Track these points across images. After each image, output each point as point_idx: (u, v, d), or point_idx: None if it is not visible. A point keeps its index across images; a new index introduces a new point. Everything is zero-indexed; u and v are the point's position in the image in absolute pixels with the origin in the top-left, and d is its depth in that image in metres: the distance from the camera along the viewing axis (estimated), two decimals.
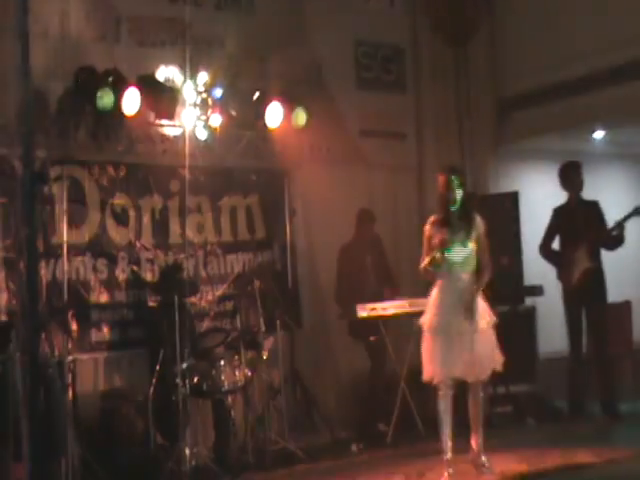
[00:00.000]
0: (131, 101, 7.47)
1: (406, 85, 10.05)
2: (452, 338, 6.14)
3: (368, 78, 9.75)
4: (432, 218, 6.40)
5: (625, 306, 9.20)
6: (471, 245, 6.29)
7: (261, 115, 8.27)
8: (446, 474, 6.17)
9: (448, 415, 6.26)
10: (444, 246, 6.17)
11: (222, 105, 8.08)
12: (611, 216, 8.53)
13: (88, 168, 7.66)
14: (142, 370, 7.44)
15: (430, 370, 6.23)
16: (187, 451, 6.85)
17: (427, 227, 6.37)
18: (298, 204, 8.90)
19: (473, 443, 6.33)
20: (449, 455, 6.24)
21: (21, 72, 2.79)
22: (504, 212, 9.32)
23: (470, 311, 6.16)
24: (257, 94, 8.26)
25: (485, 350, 6.23)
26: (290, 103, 8.40)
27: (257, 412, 7.62)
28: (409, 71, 10.07)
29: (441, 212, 6.35)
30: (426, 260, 6.24)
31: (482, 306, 6.31)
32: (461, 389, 6.40)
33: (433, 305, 6.30)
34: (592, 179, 9.33)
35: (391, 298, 8.27)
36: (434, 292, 6.33)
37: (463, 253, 6.27)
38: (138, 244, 7.86)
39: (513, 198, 9.52)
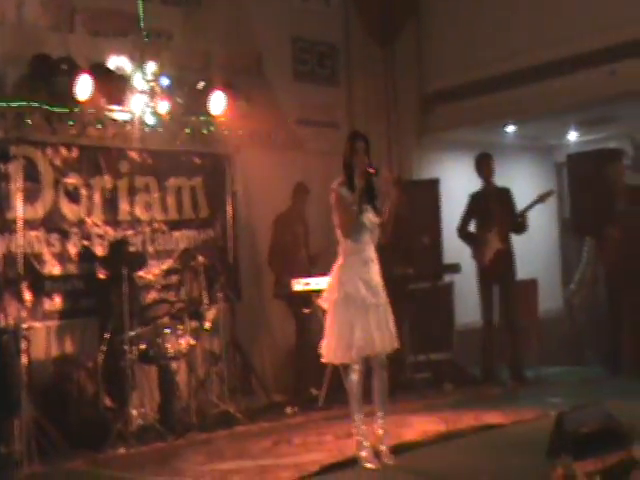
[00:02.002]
0: (84, 87, 7.27)
1: (339, 79, 10.05)
2: (368, 311, 5.39)
3: (304, 71, 9.74)
4: (339, 181, 5.57)
5: (532, 283, 9.30)
6: (376, 216, 5.54)
7: (205, 103, 8.14)
8: (364, 454, 5.39)
9: (360, 392, 5.48)
10: (358, 208, 5.41)
11: (169, 93, 7.92)
12: (521, 202, 8.60)
13: (42, 149, 7.44)
14: (92, 338, 7.30)
15: (344, 347, 5.38)
16: (134, 413, 6.77)
17: (336, 188, 5.52)
18: (239, 186, 8.81)
19: (377, 428, 5.50)
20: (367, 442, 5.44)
21: None
22: (426, 197, 9.37)
23: (380, 282, 5.50)
24: (202, 83, 8.12)
25: (391, 323, 5.52)
26: (232, 92, 8.28)
27: (199, 377, 7.56)
28: (342, 66, 10.06)
29: (347, 177, 5.53)
30: (348, 218, 5.41)
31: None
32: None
33: (343, 277, 5.44)
34: (504, 168, 9.43)
35: (324, 273, 8.22)
36: (340, 263, 5.49)
37: (371, 221, 5.52)
38: (89, 221, 7.68)
39: (434, 184, 9.55)
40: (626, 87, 8.51)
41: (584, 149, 10.62)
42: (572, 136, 11.04)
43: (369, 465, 5.32)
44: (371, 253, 5.51)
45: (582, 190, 9.45)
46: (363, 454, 5.39)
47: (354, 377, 5.43)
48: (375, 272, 5.51)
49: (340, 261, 5.51)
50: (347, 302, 5.38)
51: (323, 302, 5.57)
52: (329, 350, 5.47)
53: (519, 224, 8.54)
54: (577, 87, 8.92)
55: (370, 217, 5.50)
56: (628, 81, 8.44)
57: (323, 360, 5.59)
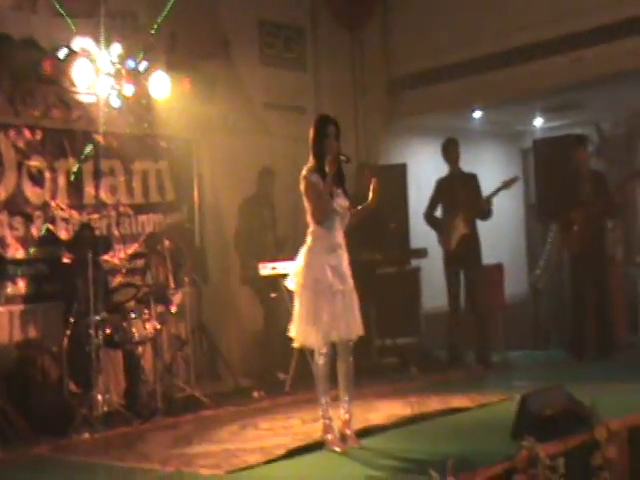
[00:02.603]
0: (47, 69, 7.21)
1: (306, 63, 10.02)
2: (335, 297, 5.35)
3: (271, 55, 9.68)
4: (308, 167, 5.45)
5: (498, 268, 9.36)
6: (346, 201, 5.51)
7: (171, 87, 8.07)
8: (330, 437, 5.39)
9: (326, 376, 5.44)
10: (330, 193, 5.35)
11: (134, 76, 7.85)
12: (487, 187, 8.65)
13: (5, 131, 7.33)
14: (56, 322, 7.21)
15: (311, 332, 5.36)
16: (99, 398, 6.71)
17: (307, 176, 5.41)
18: (206, 170, 8.78)
19: (343, 412, 5.48)
20: (333, 425, 5.45)
21: None
22: (393, 182, 9.38)
23: (347, 268, 5.46)
24: (167, 66, 8.07)
25: (357, 310, 5.49)
26: (199, 76, 8.26)
27: (166, 362, 7.54)
28: (309, 51, 10.03)
29: (317, 162, 5.43)
30: (321, 205, 5.33)
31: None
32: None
33: (311, 262, 5.39)
34: (471, 154, 9.48)
35: (291, 258, 8.22)
36: (309, 247, 5.43)
37: (342, 206, 5.45)
38: (53, 204, 7.60)
39: (401, 169, 9.59)
40: (591, 73, 8.60)
41: (550, 135, 10.70)
42: (538, 122, 11.14)
43: (335, 448, 5.33)
44: (340, 239, 5.48)
45: (548, 176, 9.54)
46: (329, 437, 5.40)
47: (320, 361, 5.42)
48: (343, 258, 5.48)
49: (309, 245, 5.46)
50: (315, 287, 5.35)
51: (290, 284, 5.51)
52: (297, 334, 5.46)
53: (484, 210, 8.58)
54: (543, 73, 8.99)
55: (340, 202, 5.46)
56: (593, 67, 8.53)
57: (294, 344, 5.56)
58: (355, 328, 5.48)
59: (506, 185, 8.45)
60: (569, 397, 5.30)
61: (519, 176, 9.34)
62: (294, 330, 5.46)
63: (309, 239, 5.47)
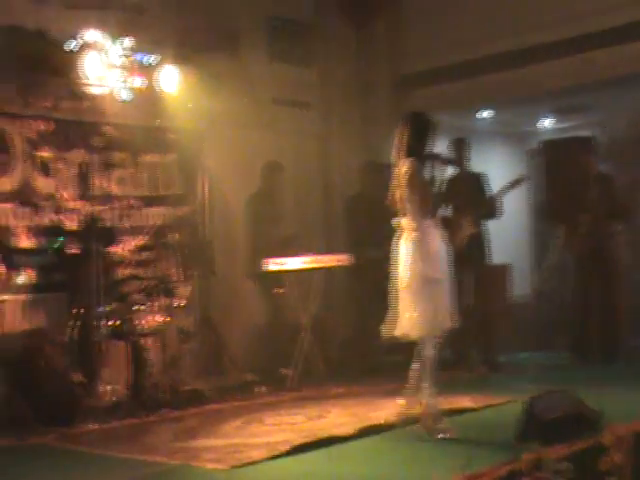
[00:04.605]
0: (58, 60, 7.25)
1: (313, 59, 10.00)
2: (443, 285, 5.50)
3: (279, 51, 9.67)
4: (412, 160, 5.55)
5: (504, 268, 9.38)
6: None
7: (180, 80, 8.10)
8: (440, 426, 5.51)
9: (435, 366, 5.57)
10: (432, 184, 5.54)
11: (144, 69, 7.88)
12: (494, 187, 8.66)
13: (15, 121, 7.35)
14: (63, 312, 7.24)
15: (422, 322, 5.47)
16: (105, 388, 6.77)
17: (413, 168, 5.51)
18: (214, 163, 8.77)
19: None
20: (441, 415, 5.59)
21: None
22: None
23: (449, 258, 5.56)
24: (177, 60, 8.08)
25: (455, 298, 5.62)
26: (207, 70, 8.26)
27: (171, 354, 7.55)
28: (316, 47, 10.01)
29: (419, 156, 5.57)
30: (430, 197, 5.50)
31: None
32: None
33: (421, 253, 5.47)
34: (478, 153, 9.47)
35: (297, 254, 8.26)
36: (416, 239, 5.52)
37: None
38: (62, 195, 7.61)
39: None
40: (602, 75, 8.60)
41: (557, 136, 10.72)
42: (546, 123, 11.14)
43: (444, 435, 5.40)
44: (440, 229, 5.64)
45: (554, 177, 9.56)
46: (440, 426, 5.48)
47: (429, 351, 5.55)
48: (446, 248, 5.61)
49: (416, 237, 5.52)
50: (425, 278, 5.45)
51: (399, 279, 5.55)
52: (404, 325, 5.53)
53: (493, 208, 8.59)
54: (552, 74, 8.98)
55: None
56: (604, 69, 8.53)
57: (397, 334, 5.61)
58: (456, 317, 5.59)
59: (513, 185, 8.45)
60: (576, 400, 5.31)
61: (525, 175, 9.32)
62: (400, 322, 5.53)
63: (415, 232, 5.53)
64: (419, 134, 5.65)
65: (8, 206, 7.26)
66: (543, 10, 8.87)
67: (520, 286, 10.25)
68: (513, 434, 5.04)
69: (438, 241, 5.58)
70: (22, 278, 7.32)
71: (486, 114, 10.59)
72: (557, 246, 9.63)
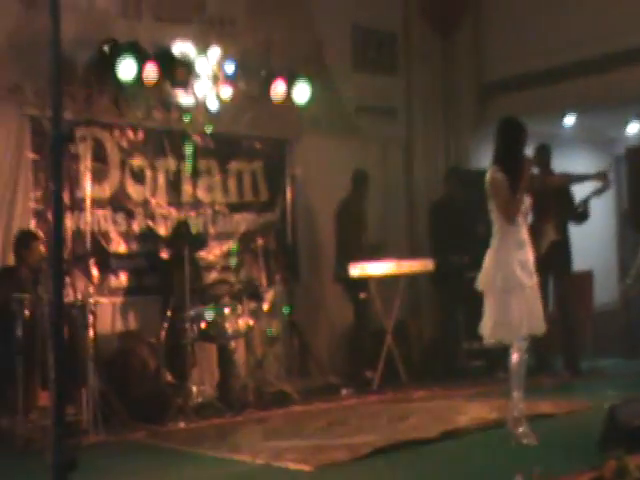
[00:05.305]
0: (150, 72, 7.45)
1: (398, 67, 10.02)
2: (524, 291, 5.44)
3: (364, 59, 9.71)
4: (495, 168, 5.55)
5: (588, 275, 9.26)
6: (529, 199, 5.64)
7: (267, 89, 8.25)
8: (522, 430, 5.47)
9: (520, 371, 5.53)
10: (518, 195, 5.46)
11: (232, 79, 8.04)
12: (579, 195, 8.57)
13: (110, 130, 7.64)
14: (154, 315, 7.47)
15: (502, 328, 5.45)
16: (194, 389, 6.93)
17: (495, 176, 5.50)
18: (298, 171, 8.91)
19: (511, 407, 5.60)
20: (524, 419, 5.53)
21: (52, 42, 2.76)
22: (481, 186, 9.30)
23: (533, 263, 5.52)
24: (263, 70, 8.23)
25: (541, 305, 5.62)
26: (293, 80, 8.39)
27: (257, 357, 7.68)
28: (401, 54, 10.04)
29: (506, 164, 5.54)
30: (513, 204, 5.43)
31: None
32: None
33: (500, 260, 5.46)
34: (562, 160, 9.37)
35: (380, 259, 8.32)
36: (498, 246, 5.51)
37: (525, 205, 5.59)
38: (153, 201, 7.86)
39: None
40: None
41: None
42: (632, 128, 10.93)
43: (527, 441, 5.38)
44: (525, 235, 5.59)
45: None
46: (521, 430, 5.45)
47: (514, 356, 5.50)
48: (530, 254, 5.57)
49: (497, 244, 5.53)
50: (505, 284, 5.42)
51: (480, 284, 5.59)
52: (489, 330, 5.54)
53: (581, 213, 8.49)
54: (638, 79, 8.85)
55: (524, 201, 5.59)
56: None
57: (485, 340, 5.61)
58: (541, 324, 5.57)
59: (599, 192, 8.33)
60: None
61: (611, 182, 9.18)
62: (485, 327, 5.54)
63: (496, 239, 5.55)
64: (508, 140, 5.65)
65: (104, 212, 7.54)
66: (629, 15, 8.74)
67: (606, 293, 10.10)
68: (595, 441, 4.98)
69: (519, 248, 5.50)
70: (116, 281, 7.58)
71: (571, 120, 10.46)
72: None
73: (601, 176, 8.21)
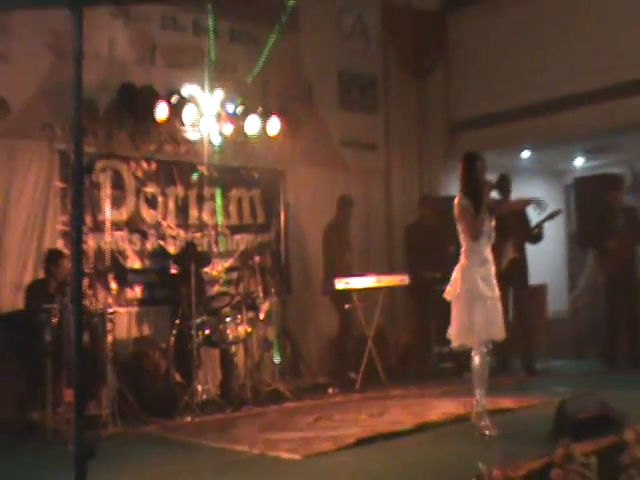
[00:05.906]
0: (161, 111, 7.53)
1: (378, 107, 10.11)
2: (486, 303, 5.46)
3: (348, 100, 9.81)
4: (461, 194, 5.59)
5: (542, 288, 9.35)
6: (492, 221, 5.67)
7: (263, 126, 8.31)
8: (484, 423, 5.50)
9: (482, 372, 5.56)
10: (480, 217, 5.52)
11: (233, 117, 8.11)
12: (534, 218, 8.65)
13: (127, 162, 7.70)
14: (165, 323, 7.50)
15: (467, 334, 5.49)
16: (199, 388, 6.93)
17: (460, 202, 5.56)
18: (291, 197, 8.96)
19: (475, 404, 5.62)
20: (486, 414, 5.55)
21: (75, 86, 2.80)
22: (451, 211, 9.39)
23: (494, 278, 5.57)
24: (260, 109, 8.30)
25: (501, 315, 5.63)
26: (286, 117, 8.45)
27: (254, 360, 7.69)
28: (380, 96, 10.13)
29: (470, 191, 5.58)
30: (476, 226, 5.49)
31: None
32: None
33: (465, 275, 5.50)
34: (519, 188, 9.46)
35: (362, 274, 8.36)
36: (463, 263, 5.55)
37: (489, 227, 5.62)
38: (164, 224, 7.90)
39: None
40: (626, 121, 8.57)
41: (589, 174, 10.64)
42: (579, 162, 11.07)
43: (488, 432, 5.39)
44: (488, 254, 5.63)
45: (586, 209, 9.50)
46: (483, 423, 5.48)
47: (476, 359, 5.53)
48: (491, 270, 5.61)
49: (463, 261, 5.57)
50: (468, 295, 5.46)
51: (448, 295, 5.62)
52: (454, 336, 5.57)
53: (536, 235, 8.58)
54: (584, 120, 8.96)
55: (488, 223, 5.64)
56: (629, 116, 8.50)
57: (452, 345, 5.63)
58: (501, 331, 5.58)
59: (551, 216, 8.41)
60: (602, 403, 5.29)
61: (561, 209, 9.30)
62: (452, 332, 5.56)
63: (463, 256, 5.59)
64: (469, 170, 5.71)
65: (122, 233, 7.58)
66: (576, 64, 8.89)
67: (557, 303, 10.18)
68: (547, 431, 5.05)
69: (482, 264, 5.54)
70: (132, 293, 7.61)
71: (527, 154, 10.58)
72: (589, 268, 9.56)
73: (553, 215, 8.27)
